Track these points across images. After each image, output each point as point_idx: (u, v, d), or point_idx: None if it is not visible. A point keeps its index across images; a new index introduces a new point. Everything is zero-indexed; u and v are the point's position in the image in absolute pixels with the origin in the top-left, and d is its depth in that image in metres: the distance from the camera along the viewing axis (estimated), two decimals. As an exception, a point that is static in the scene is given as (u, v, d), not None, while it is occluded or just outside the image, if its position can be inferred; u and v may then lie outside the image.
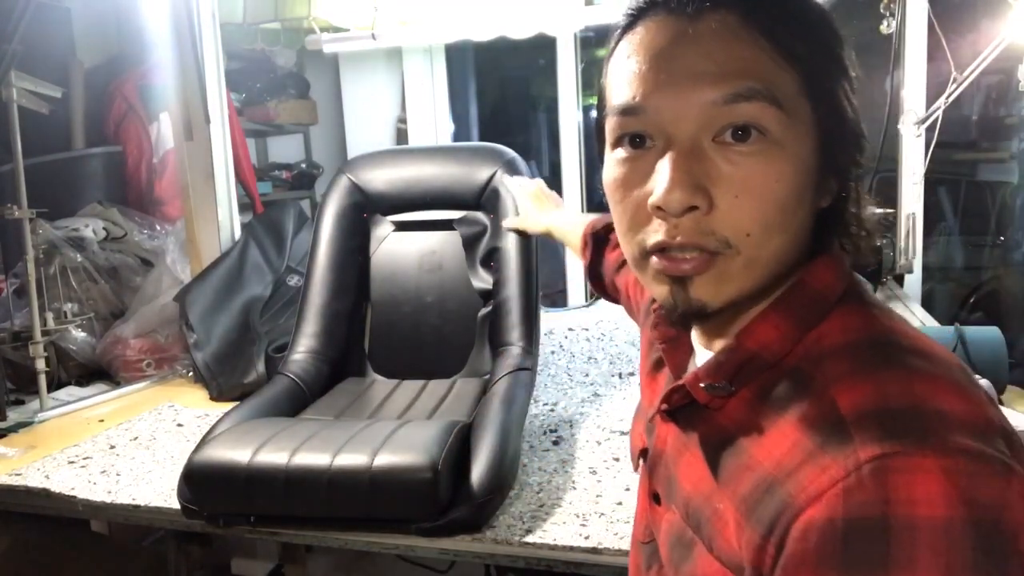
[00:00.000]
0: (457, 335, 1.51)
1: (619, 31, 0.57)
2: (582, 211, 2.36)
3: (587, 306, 2.07)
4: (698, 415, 0.57)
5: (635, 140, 0.53)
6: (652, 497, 0.64)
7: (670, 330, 0.63)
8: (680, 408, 0.58)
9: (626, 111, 0.53)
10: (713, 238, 0.51)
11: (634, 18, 0.55)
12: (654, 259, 0.53)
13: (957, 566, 0.39)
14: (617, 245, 1.02)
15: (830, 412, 0.46)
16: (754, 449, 0.50)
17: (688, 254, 0.51)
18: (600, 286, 1.10)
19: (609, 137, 0.56)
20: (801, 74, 0.51)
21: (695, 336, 0.62)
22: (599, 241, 1.07)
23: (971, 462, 0.41)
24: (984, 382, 1.15)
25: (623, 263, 0.99)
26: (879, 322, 0.52)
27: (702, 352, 0.60)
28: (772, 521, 0.45)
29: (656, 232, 0.52)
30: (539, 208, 1.40)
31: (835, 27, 0.55)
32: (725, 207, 0.50)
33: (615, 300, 1.07)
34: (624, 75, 0.54)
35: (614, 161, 0.55)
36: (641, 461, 0.69)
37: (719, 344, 0.57)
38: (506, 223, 1.48)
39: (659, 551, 0.61)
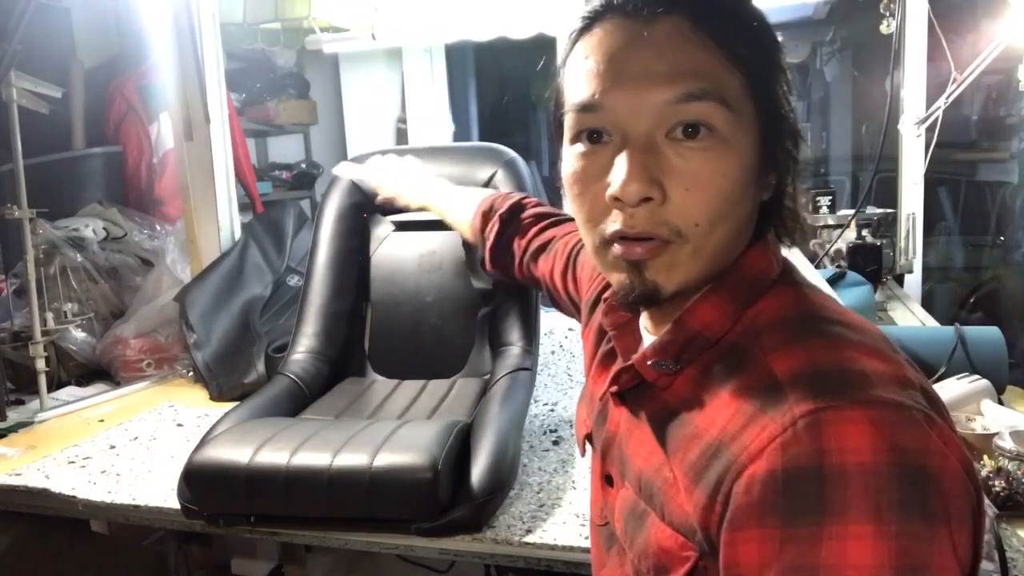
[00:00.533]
0: (457, 335, 1.51)
1: (575, 33, 0.60)
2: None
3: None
4: (646, 395, 0.60)
5: (592, 135, 0.57)
6: (604, 479, 0.67)
7: (622, 316, 0.67)
8: (629, 390, 0.62)
9: (584, 108, 0.56)
10: (666, 227, 0.54)
11: (590, 21, 0.58)
12: (614, 247, 0.56)
13: (886, 506, 0.42)
14: (527, 231, 1.04)
15: (767, 378, 0.50)
16: (699, 419, 0.54)
17: (642, 241, 0.55)
18: (500, 265, 1.10)
19: (567, 133, 0.59)
20: (746, 76, 0.55)
21: (644, 325, 0.65)
22: (506, 224, 1.08)
23: (895, 412, 0.45)
24: (984, 382, 1.15)
25: (539, 250, 1.01)
26: (808, 299, 0.56)
27: (650, 339, 0.63)
28: (718, 481, 0.48)
29: (614, 222, 0.56)
30: (417, 182, 1.34)
31: (774, 32, 0.58)
32: (677, 199, 0.54)
33: (515, 280, 1.10)
34: (582, 74, 0.57)
35: (573, 155, 0.58)
36: (588, 445, 0.74)
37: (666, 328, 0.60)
38: (380, 199, 1.40)
39: (615, 531, 0.64)
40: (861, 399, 0.46)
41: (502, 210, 1.08)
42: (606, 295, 0.69)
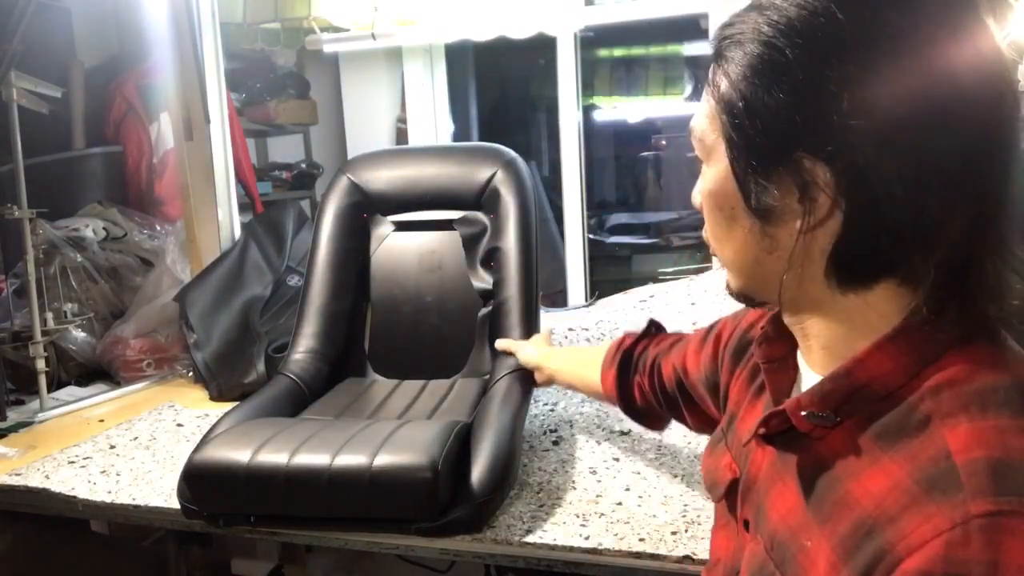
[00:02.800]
0: (457, 335, 1.51)
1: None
2: (581, 210, 2.35)
3: (587, 306, 2.07)
4: (797, 441, 0.55)
5: None
6: (743, 524, 0.62)
7: (777, 349, 0.62)
8: (779, 433, 0.57)
9: None
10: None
11: None
12: None
13: None
14: (660, 342, 1.00)
15: (939, 454, 0.43)
16: (853, 484, 0.48)
17: None
18: (623, 397, 1.04)
19: None
20: None
21: (802, 359, 0.60)
22: (630, 348, 1.05)
23: None
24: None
25: (671, 347, 0.96)
26: (1010, 363, 0.48)
27: (808, 375, 0.58)
28: (868, 568, 0.43)
29: None
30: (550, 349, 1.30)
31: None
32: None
33: (650, 407, 1.02)
34: None
35: None
36: (724, 491, 0.67)
37: (822, 367, 0.55)
38: (520, 355, 1.31)
39: None
40: None
41: (628, 338, 1.06)
42: (762, 323, 0.65)
